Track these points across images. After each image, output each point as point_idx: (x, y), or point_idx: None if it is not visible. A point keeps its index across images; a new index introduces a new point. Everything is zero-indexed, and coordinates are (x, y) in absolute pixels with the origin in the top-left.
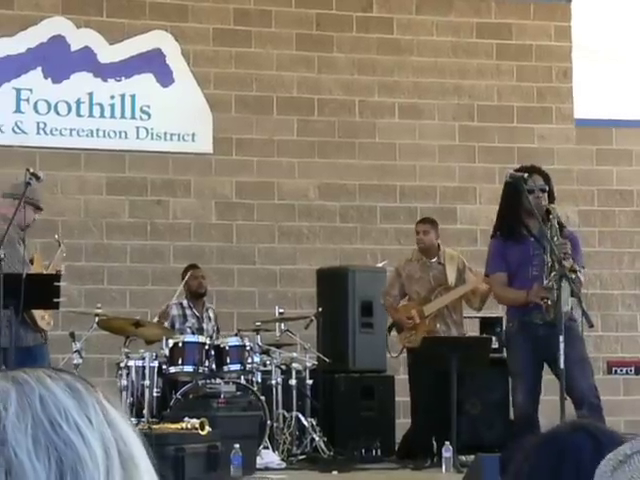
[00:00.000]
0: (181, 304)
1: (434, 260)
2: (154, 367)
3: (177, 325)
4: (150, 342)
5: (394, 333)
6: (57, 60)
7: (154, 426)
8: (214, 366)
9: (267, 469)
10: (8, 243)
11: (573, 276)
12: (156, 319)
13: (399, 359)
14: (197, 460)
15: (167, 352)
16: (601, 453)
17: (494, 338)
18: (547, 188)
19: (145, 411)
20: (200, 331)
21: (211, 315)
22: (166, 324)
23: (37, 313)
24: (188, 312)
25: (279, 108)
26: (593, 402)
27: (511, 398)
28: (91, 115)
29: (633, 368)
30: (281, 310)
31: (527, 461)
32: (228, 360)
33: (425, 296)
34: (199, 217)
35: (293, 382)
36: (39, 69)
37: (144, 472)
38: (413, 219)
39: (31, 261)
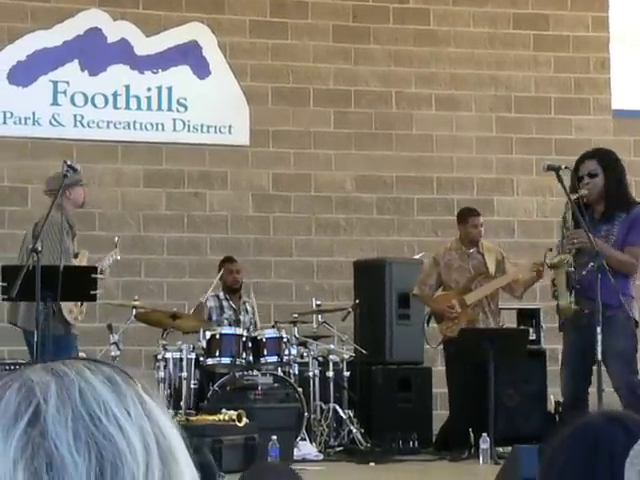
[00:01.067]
0: (217, 296)
1: (473, 250)
2: (191, 359)
3: (214, 317)
4: (187, 332)
5: (432, 324)
6: (94, 52)
7: (191, 418)
8: (251, 358)
9: (304, 461)
10: (48, 231)
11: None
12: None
13: (436, 350)
14: (234, 452)
15: (204, 344)
16: (634, 443)
17: (531, 329)
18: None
19: (182, 403)
20: (237, 323)
21: (248, 307)
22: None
23: (65, 306)
24: (225, 304)
25: (316, 100)
26: (627, 396)
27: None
28: (128, 107)
29: None
30: (318, 302)
31: (561, 451)
32: (265, 352)
33: (465, 285)
34: (236, 209)
35: (330, 374)
36: (76, 62)
37: (183, 465)
38: (450, 211)
39: (76, 255)
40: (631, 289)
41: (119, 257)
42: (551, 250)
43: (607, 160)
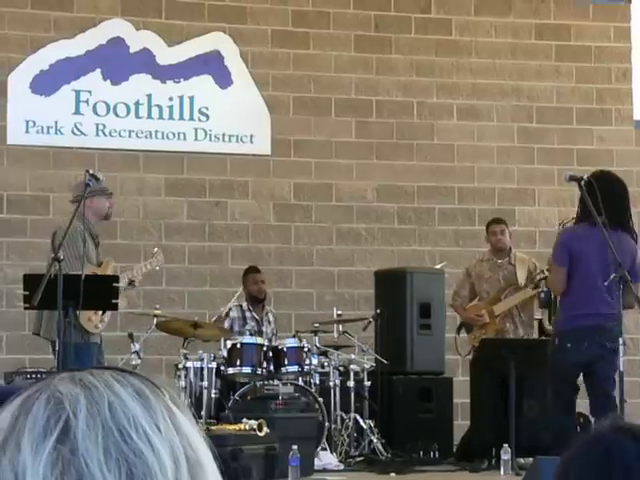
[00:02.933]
0: (241, 306)
1: (504, 260)
2: (212, 368)
3: (236, 327)
4: (208, 341)
5: (463, 334)
6: (116, 62)
7: (212, 427)
8: (272, 367)
9: (325, 470)
10: (69, 240)
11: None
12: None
13: (457, 360)
14: (255, 461)
15: (225, 353)
16: None
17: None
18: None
19: (203, 412)
20: (259, 334)
21: (271, 318)
22: (226, 325)
23: (84, 314)
24: (248, 315)
25: (337, 109)
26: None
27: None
28: (150, 117)
29: None
30: (339, 312)
31: (573, 464)
32: (286, 362)
33: (495, 296)
34: (257, 218)
35: (351, 384)
36: (98, 71)
37: (211, 477)
38: (471, 221)
39: (100, 264)
40: (566, 307)
41: (158, 267)
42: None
43: (590, 182)
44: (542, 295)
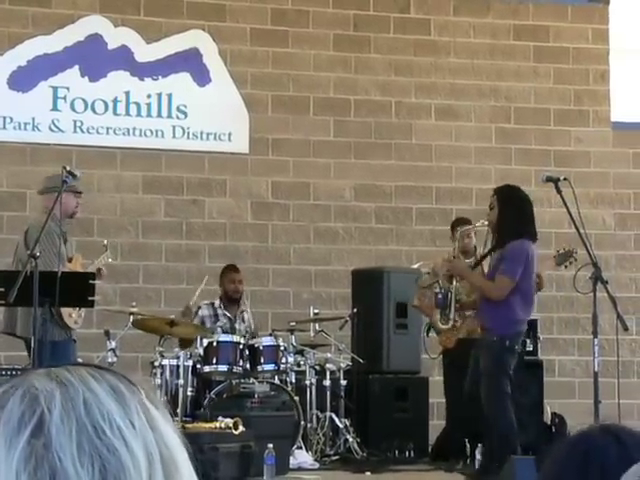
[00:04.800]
0: (212, 304)
1: (471, 260)
2: (188, 366)
3: (208, 325)
4: (185, 345)
5: (432, 335)
6: (94, 59)
7: (188, 425)
8: (248, 366)
9: (300, 469)
10: (46, 237)
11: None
12: (180, 311)
13: (433, 360)
14: (230, 460)
15: (201, 351)
16: (626, 455)
17: (528, 341)
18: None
19: (179, 410)
20: (232, 331)
21: (245, 316)
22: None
23: (65, 311)
24: (220, 312)
25: (315, 108)
26: (488, 412)
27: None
28: (128, 114)
29: None
30: (316, 310)
31: (555, 463)
32: (262, 360)
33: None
34: (235, 217)
35: (327, 382)
36: (76, 67)
37: (186, 475)
38: (449, 221)
39: (70, 260)
40: (512, 313)
41: (111, 259)
42: (429, 274)
43: (503, 196)
44: (439, 297)
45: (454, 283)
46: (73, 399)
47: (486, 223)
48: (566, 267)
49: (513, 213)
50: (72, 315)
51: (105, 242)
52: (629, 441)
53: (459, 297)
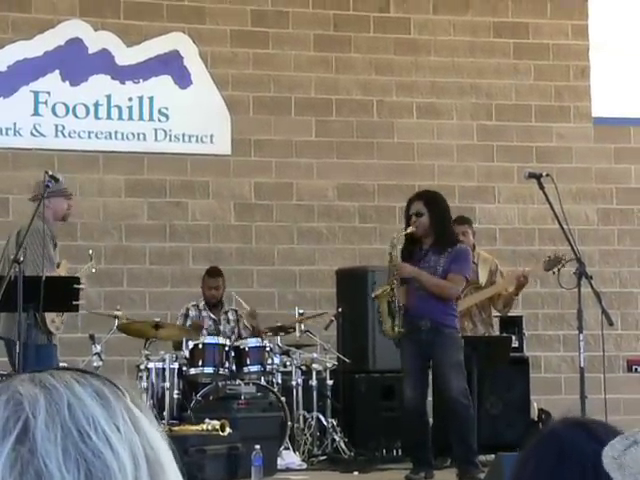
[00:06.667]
0: (198, 306)
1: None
2: (174, 369)
3: None
4: (179, 346)
5: None
6: (75, 63)
7: (174, 428)
8: (234, 367)
9: (288, 470)
10: (37, 240)
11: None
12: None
13: None
14: (218, 461)
15: (187, 354)
16: (599, 446)
17: (514, 337)
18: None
19: (165, 413)
20: (217, 332)
21: (230, 317)
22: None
23: (48, 316)
24: (204, 314)
25: (297, 109)
26: (463, 402)
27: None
28: (109, 117)
29: None
30: (301, 311)
31: (528, 460)
32: (248, 361)
33: None
34: (218, 218)
35: (313, 383)
36: (57, 72)
37: (171, 477)
38: None
39: (57, 265)
40: (455, 309)
41: (94, 270)
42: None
43: (431, 201)
44: (393, 305)
45: (394, 290)
46: (57, 404)
47: (414, 229)
48: (554, 273)
49: (444, 217)
50: (55, 321)
51: (90, 251)
52: (600, 432)
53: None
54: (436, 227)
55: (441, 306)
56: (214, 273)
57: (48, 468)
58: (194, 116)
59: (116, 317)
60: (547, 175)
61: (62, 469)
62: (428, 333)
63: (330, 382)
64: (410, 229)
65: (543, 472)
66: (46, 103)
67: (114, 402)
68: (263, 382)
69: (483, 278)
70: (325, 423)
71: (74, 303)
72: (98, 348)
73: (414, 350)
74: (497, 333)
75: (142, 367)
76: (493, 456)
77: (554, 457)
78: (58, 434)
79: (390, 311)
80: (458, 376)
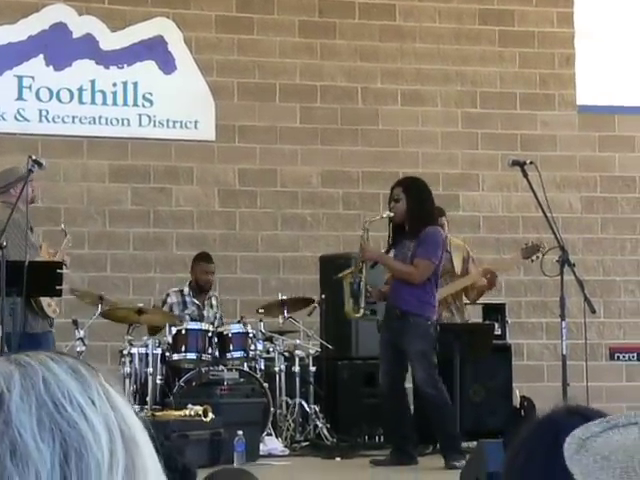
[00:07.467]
0: (181, 292)
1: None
2: (157, 354)
3: (176, 312)
4: (154, 332)
5: None
6: (59, 47)
7: (157, 413)
8: (217, 353)
9: (270, 456)
10: (15, 227)
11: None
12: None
13: None
14: (200, 447)
15: (170, 339)
16: None
17: (497, 325)
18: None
19: (148, 398)
20: (201, 318)
21: (213, 302)
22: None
23: (44, 300)
24: (188, 300)
25: (281, 95)
26: (429, 392)
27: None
28: (93, 102)
29: (635, 354)
30: (284, 297)
31: (523, 446)
32: (231, 347)
33: None
34: (202, 204)
35: (296, 369)
36: (41, 56)
37: (146, 454)
38: None
39: (40, 247)
40: (429, 296)
41: (71, 244)
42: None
43: (410, 187)
44: (354, 286)
45: (364, 272)
46: (32, 378)
47: (391, 214)
48: (532, 261)
49: (421, 203)
50: (51, 304)
51: (62, 226)
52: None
53: (368, 286)
54: (411, 212)
55: (410, 293)
56: (209, 258)
57: (22, 437)
58: (178, 102)
59: (100, 297)
60: (531, 163)
61: (37, 438)
62: (398, 321)
63: (313, 368)
64: (386, 214)
65: (538, 458)
66: (30, 88)
67: (89, 378)
68: (246, 368)
69: (458, 267)
70: (308, 409)
71: (57, 288)
72: (81, 333)
73: (387, 337)
74: (474, 320)
75: (125, 352)
76: (475, 443)
77: (550, 443)
78: (33, 405)
79: (352, 292)
80: (422, 366)
